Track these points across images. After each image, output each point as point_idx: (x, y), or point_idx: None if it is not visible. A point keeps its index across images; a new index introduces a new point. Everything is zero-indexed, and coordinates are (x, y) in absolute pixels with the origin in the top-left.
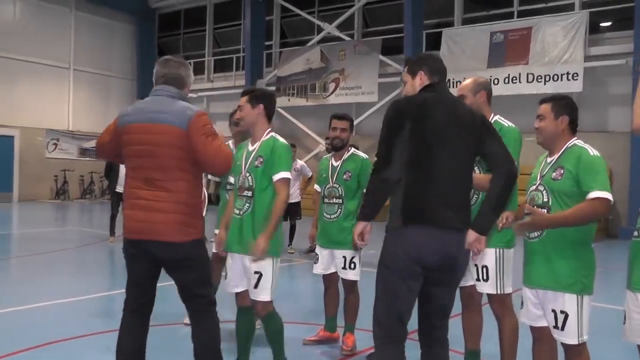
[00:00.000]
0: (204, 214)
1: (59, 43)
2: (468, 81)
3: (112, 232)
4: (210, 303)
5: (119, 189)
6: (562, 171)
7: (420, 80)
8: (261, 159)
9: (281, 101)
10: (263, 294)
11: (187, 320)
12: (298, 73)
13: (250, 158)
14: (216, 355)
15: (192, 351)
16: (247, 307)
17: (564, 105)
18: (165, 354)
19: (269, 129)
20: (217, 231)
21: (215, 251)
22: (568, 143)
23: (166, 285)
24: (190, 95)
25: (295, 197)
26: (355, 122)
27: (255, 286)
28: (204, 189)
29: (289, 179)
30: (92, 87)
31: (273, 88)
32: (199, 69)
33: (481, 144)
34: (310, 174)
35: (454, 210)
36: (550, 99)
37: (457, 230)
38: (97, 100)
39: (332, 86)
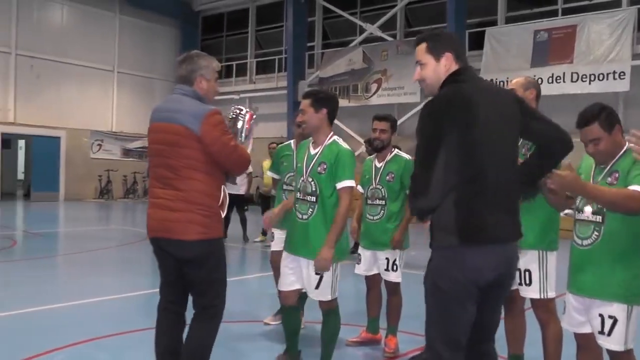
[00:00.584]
0: (223, 214)
1: (104, 46)
2: (520, 78)
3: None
4: (213, 305)
5: None
6: (617, 175)
7: (446, 65)
8: (324, 166)
9: None
10: (323, 295)
11: (267, 319)
12: (340, 74)
13: (313, 163)
14: None
15: (245, 349)
16: (293, 307)
17: (611, 115)
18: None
19: (332, 133)
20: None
21: (274, 249)
22: (624, 149)
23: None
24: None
25: (239, 188)
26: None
27: (317, 287)
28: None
29: (352, 187)
30: (136, 89)
31: (316, 89)
32: (241, 71)
33: (526, 129)
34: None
35: (512, 219)
36: (594, 117)
37: (515, 241)
38: (140, 102)
39: (374, 87)
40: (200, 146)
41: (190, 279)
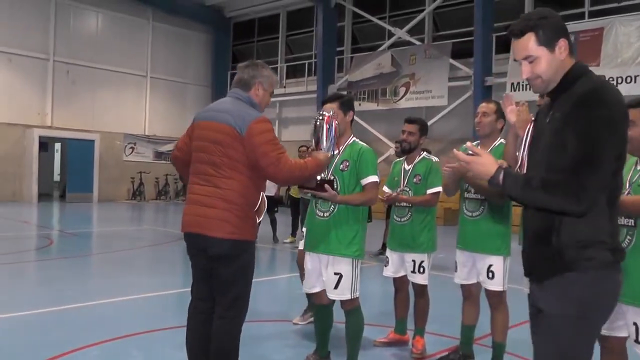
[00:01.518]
0: (259, 219)
1: (137, 52)
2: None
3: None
4: (234, 306)
5: None
6: None
7: (563, 54)
8: (347, 163)
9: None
10: (344, 294)
11: (295, 319)
12: (369, 78)
13: (335, 161)
14: None
15: (274, 348)
16: (325, 305)
17: None
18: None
19: (352, 134)
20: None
21: (302, 248)
22: None
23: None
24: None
25: (269, 190)
26: None
27: (336, 287)
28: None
29: (377, 182)
30: (168, 94)
31: (344, 93)
32: None
33: None
34: None
35: None
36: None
37: None
38: (173, 106)
39: (402, 90)
40: (243, 148)
41: (217, 277)
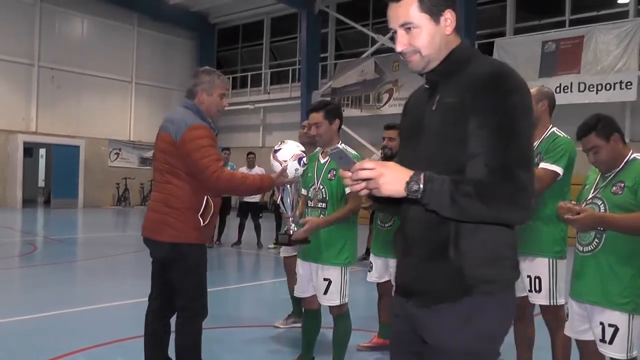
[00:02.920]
0: (203, 222)
1: (122, 58)
2: (533, 89)
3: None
4: (189, 307)
5: None
6: (622, 185)
7: (449, 28)
8: (334, 172)
9: None
10: (332, 300)
11: (277, 323)
12: (352, 84)
13: (323, 171)
14: None
15: (257, 353)
16: (314, 310)
17: (609, 124)
18: (230, 356)
19: (340, 141)
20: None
21: (285, 255)
22: (627, 157)
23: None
24: (247, 106)
25: (256, 197)
26: None
27: (325, 292)
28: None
29: None
30: (153, 100)
31: (328, 99)
32: (256, 81)
33: None
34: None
35: None
36: (591, 128)
37: None
38: (157, 112)
39: (385, 97)
40: (179, 155)
41: (168, 279)
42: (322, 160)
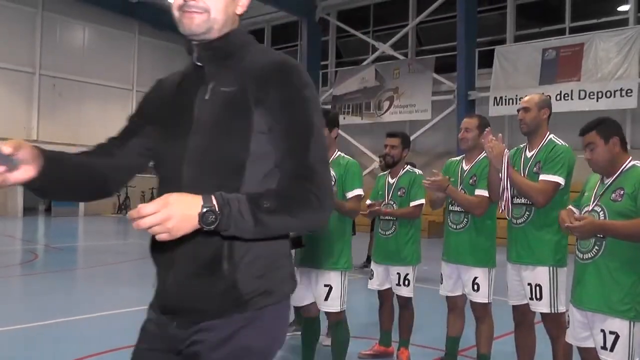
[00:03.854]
0: None
1: (123, 66)
2: (535, 95)
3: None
4: None
5: None
6: (622, 192)
7: (238, 3)
8: (334, 178)
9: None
10: (333, 306)
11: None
12: (353, 92)
13: None
14: None
15: None
16: (312, 318)
17: (611, 125)
18: None
19: (337, 149)
20: None
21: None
22: (625, 163)
23: None
24: None
25: None
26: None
27: (325, 298)
28: None
29: (361, 195)
30: None
31: (329, 106)
32: None
33: None
34: None
35: None
36: (593, 126)
37: None
38: None
39: (386, 104)
40: None
41: None
42: None
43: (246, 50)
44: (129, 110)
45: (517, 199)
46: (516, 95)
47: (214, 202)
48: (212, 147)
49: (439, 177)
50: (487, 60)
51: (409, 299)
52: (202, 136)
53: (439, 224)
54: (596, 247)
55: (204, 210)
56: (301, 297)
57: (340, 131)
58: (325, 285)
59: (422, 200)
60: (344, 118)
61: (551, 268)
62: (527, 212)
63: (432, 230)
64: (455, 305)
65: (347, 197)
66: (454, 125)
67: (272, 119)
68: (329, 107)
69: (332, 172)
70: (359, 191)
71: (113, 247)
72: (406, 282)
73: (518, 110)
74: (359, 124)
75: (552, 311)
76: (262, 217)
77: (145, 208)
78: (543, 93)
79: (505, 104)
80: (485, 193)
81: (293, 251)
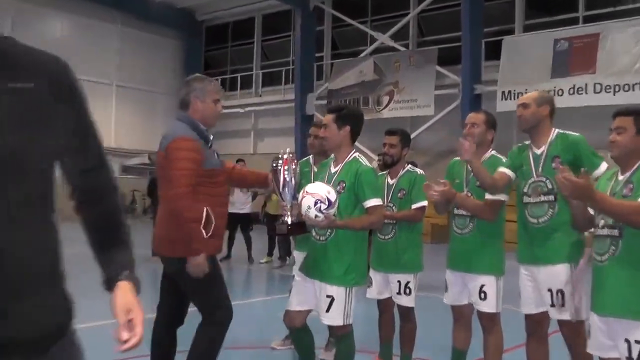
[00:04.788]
0: (205, 234)
1: (104, 59)
2: (534, 92)
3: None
4: (212, 313)
5: None
6: (631, 186)
7: None
8: (343, 184)
9: None
10: (335, 320)
11: (274, 344)
12: (350, 86)
13: (332, 182)
14: None
15: None
16: (300, 329)
17: None
18: None
19: (353, 151)
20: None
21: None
22: None
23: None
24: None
25: (246, 208)
26: (411, 137)
27: (327, 310)
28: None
29: (381, 205)
30: (136, 104)
31: (324, 102)
32: (246, 83)
33: None
34: None
35: None
36: (633, 111)
37: None
38: (141, 117)
39: (386, 99)
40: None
41: (179, 292)
42: (333, 169)
43: (11, 44)
44: (111, 107)
45: (544, 196)
46: (526, 90)
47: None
48: (9, 151)
49: (445, 187)
50: (494, 52)
51: (411, 308)
52: None
53: (443, 227)
54: (612, 248)
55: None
56: (298, 301)
57: None
58: (328, 296)
59: (425, 202)
60: None
61: (572, 265)
62: (550, 210)
63: (435, 234)
64: (461, 315)
65: (365, 207)
66: (459, 122)
67: (75, 121)
68: (324, 102)
69: (340, 178)
70: (375, 201)
71: (91, 255)
72: (407, 291)
73: (518, 107)
74: None
75: (575, 318)
76: (128, 237)
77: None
78: (555, 87)
79: (514, 99)
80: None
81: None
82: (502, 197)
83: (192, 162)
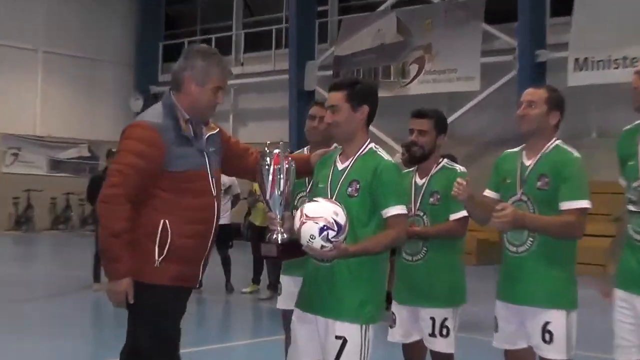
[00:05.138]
0: (158, 255)
1: (25, 17)
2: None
3: (96, 276)
4: (138, 345)
5: None
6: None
7: None
8: (357, 185)
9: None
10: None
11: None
12: (365, 51)
13: (341, 181)
14: None
15: None
16: None
17: None
18: None
19: (368, 140)
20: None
21: (284, 307)
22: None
23: None
24: None
25: (224, 217)
26: (448, 121)
27: (338, 357)
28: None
29: (405, 214)
30: (71, 77)
31: (329, 73)
32: (223, 48)
33: None
34: (237, 191)
35: None
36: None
37: None
38: (79, 95)
39: (413, 69)
40: None
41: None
42: (341, 166)
43: None
44: (34, 81)
45: None
46: (609, 57)
47: None
48: None
49: (507, 210)
50: (563, 5)
51: (450, 355)
52: None
53: (493, 244)
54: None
55: None
56: (300, 353)
57: None
58: (337, 338)
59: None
60: None
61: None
62: None
63: (482, 253)
64: None
65: (384, 217)
66: (513, 101)
67: None
68: (329, 73)
69: (352, 177)
70: (398, 209)
71: (10, 279)
72: (444, 331)
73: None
74: None
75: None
76: None
77: None
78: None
79: (592, 69)
80: (577, 204)
81: (296, 287)
82: (586, 204)
83: (137, 157)
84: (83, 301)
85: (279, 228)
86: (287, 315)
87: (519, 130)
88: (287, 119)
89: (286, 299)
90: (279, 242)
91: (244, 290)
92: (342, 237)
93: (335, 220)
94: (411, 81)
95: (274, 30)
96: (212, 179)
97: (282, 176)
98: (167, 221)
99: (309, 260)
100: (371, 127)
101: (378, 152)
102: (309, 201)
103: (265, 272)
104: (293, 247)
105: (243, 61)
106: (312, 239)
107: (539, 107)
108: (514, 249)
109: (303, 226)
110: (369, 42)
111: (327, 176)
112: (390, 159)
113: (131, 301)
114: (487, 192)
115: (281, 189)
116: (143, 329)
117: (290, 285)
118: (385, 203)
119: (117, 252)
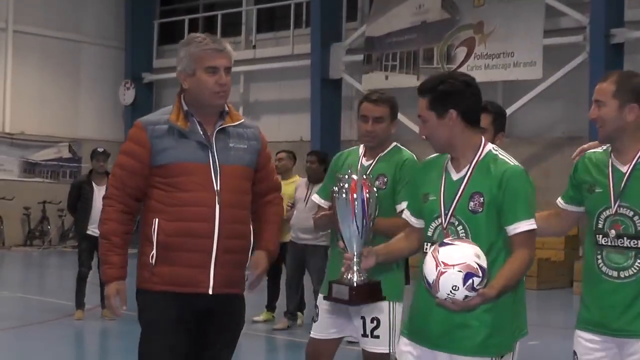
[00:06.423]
0: (151, 258)
1: None
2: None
3: (79, 302)
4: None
5: (93, 230)
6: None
7: None
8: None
9: (376, 79)
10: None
11: None
12: (403, 31)
13: (459, 194)
14: None
15: None
16: None
17: None
18: None
19: (482, 141)
20: None
21: (317, 336)
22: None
23: None
24: None
25: None
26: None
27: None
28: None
29: (535, 229)
30: (47, 61)
31: (359, 58)
32: (231, 28)
33: None
34: None
35: None
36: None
37: None
38: (55, 82)
39: (461, 52)
40: None
41: None
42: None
43: None
44: (4, 62)
45: None
46: None
47: None
48: None
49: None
50: None
51: None
52: None
53: (556, 264)
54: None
55: None
56: (325, 326)
57: None
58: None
59: (533, 223)
60: (387, 78)
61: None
62: None
63: (544, 275)
64: None
65: (510, 236)
66: (585, 90)
67: None
68: (360, 57)
69: (474, 189)
70: (530, 224)
71: None
72: None
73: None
74: (413, 88)
75: None
76: None
77: None
78: None
79: None
80: None
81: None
82: None
83: (128, 156)
84: (62, 333)
85: (355, 267)
86: (317, 347)
87: (598, 133)
88: (308, 113)
89: (323, 326)
90: (355, 284)
91: (256, 318)
92: (485, 282)
93: (479, 265)
94: (458, 67)
95: (292, 5)
96: (215, 174)
97: (363, 206)
98: (157, 219)
99: (336, 265)
100: (408, 122)
101: (500, 156)
102: (440, 244)
103: (282, 298)
104: (369, 291)
105: (255, 43)
106: (454, 290)
107: (608, 104)
108: (613, 272)
109: (442, 276)
110: (407, 19)
111: (438, 187)
112: (517, 163)
113: (122, 308)
114: (562, 204)
115: (360, 221)
116: (140, 341)
117: (329, 309)
118: (514, 217)
119: (105, 254)
